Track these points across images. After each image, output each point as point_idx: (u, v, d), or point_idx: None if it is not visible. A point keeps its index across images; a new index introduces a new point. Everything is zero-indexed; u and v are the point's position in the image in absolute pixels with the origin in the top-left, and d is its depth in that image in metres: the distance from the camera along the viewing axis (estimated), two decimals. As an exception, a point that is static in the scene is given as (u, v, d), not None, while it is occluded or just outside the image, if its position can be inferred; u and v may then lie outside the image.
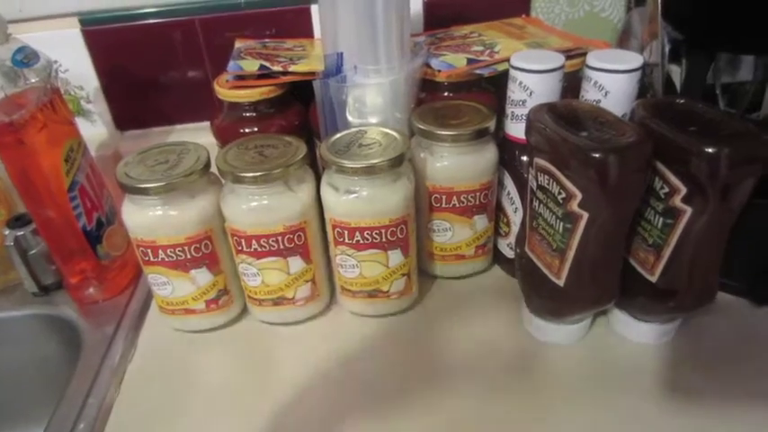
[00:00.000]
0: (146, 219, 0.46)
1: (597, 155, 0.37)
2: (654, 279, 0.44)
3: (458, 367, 0.48)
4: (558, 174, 0.40)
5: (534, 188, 0.44)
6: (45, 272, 0.60)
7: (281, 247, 0.48)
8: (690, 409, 0.43)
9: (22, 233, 0.58)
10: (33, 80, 0.50)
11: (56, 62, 0.53)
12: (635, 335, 0.48)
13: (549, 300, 0.46)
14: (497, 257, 0.58)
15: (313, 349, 0.51)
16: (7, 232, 0.58)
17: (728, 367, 0.46)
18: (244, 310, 0.55)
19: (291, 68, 0.52)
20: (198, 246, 0.48)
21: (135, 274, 0.61)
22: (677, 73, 0.53)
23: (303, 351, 0.51)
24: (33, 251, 0.59)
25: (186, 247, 0.48)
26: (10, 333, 0.61)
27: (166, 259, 0.48)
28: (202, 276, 0.50)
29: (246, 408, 0.45)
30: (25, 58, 0.49)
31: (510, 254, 0.56)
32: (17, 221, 0.59)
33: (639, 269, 0.45)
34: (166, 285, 0.50)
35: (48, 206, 0.53)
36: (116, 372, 0.50)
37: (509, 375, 0.47)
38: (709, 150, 0.36)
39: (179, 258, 0.48)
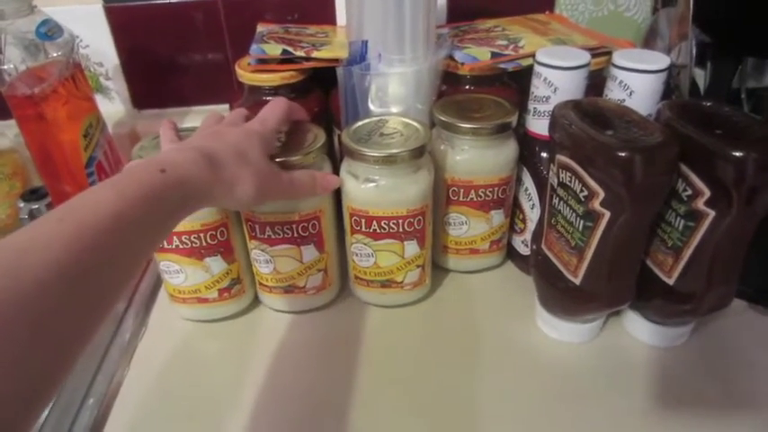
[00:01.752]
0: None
1: (623, 153, 0.36)
2: (671, 282, 0.44)
3: (467, 360, 0.48)
4: (581, 171, 0.40)
5: (555, 185, 0.44)
6: (58, 247, 0.60)
7: (296, 235, 0.48)
8: (699, 413, 0.43)
9: (36, 206, 0.58)
10: (55, 54, 0.50)
11: (77, 37, 0.53)
12: (648, 337, 0.48)
13: (565, 297, 0.46)
14: (511, 254, 0.58)
15: (322, 339, 0.51)
16: (22, 205, 0.58)
17: (740, 373, 0.46)
18: (255, 300, 0.54)
19: (315, 54, 0.52)
20: (214, 233, 0.47)
21: (147, 254, 0.61)
22: (701, 76, 0.53)
23: (312, 340, 0.51)
24: (47, 225, 0.59)
25: (202, 234, 0.47)
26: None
27: (181, 246, 0.47)
28: (217, 264, 0.49)
29: (255, 393, 0.46)
30: (49, 31, 0.49)
31: (524, 251, 0.56)
32: (32, 195, 0.59)
33: (657, 271, 0.45)
34: (179, 273, 0.49)
35: (65, 181, 0.54)
36: (126, 349, 0.50)
37: (519, 370, 0.47)
38: (737, 154, 0.36)
39: (194, 246, 0.47)
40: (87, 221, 0.28)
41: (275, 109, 0.45)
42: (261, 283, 0.52)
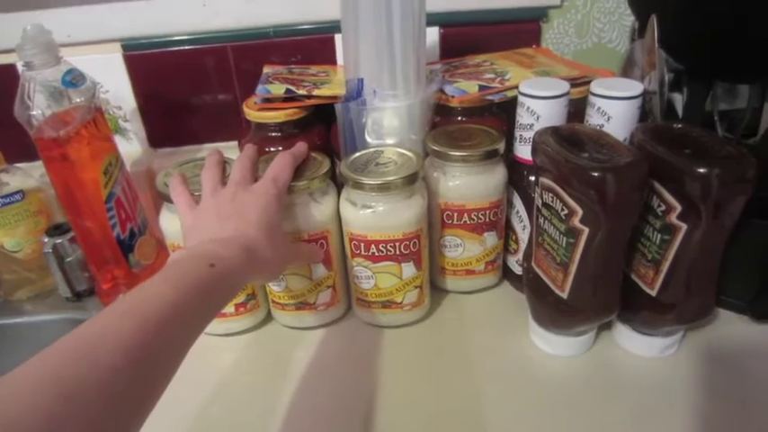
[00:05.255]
0: (183, 226, 0.50)
1: (596, 174, 0.40)
2: (654, 293, 0.46)
3: (466, 375, 0.50)
4: (560, 192, 0.43)
5: (540, 205, 0.47)
6: (79, 278, 0.64)
7: (305, 253, 0.51)
8: (691, 422, 0.44)
9: (59, 241, 0.62)
10: (78, 100, 0.54)
11: (98, 83, 0.57)
12: (638, 348, 0.50)
13: (554, 311, 0.48)
14: (506, 274, 0.61)
15: (330, 353, 0.54)
16: (46, 240, 0.62)
17: (731, 382, 0.47)
18: (268, 315, 0.58)
19: (315, 92, 0.56)
20: None
21: (163, 283, 0.64)
22: (679, 101, 0.56)
23: (320, 354, 0.53)
24: (69, 258, 0.63)
25: None
26: (44, 337, 0.65)
27: None
28: (232, 281, 0.53)
29: (265, 407, 0.48)
30: (74, 79, 0.54)
31: (519, 270, 0.58)
32: (56, 230, 0.63)
33: (640, 284, 0.48)
34: None
35: (86, 216, 0.57)
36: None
37: (515, 385, 0.49)
38: (701, 170, 0.39)
39: None
40: (150, 313, 0.32)
41: (284, 165, 0.49)
42: (274, 301, 0.56)
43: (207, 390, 0.51)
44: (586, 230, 0.42)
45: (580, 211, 0.42)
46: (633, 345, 0.51)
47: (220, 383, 0.51)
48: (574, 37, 0.72)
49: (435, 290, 0.59)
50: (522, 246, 0.57)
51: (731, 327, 0.53)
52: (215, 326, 0.56)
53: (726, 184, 0.39)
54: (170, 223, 0.51)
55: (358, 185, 0.49)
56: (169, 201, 0.50)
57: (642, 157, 0.40)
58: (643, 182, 0.41)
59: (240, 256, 0.40)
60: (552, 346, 0.51)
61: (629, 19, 0.70)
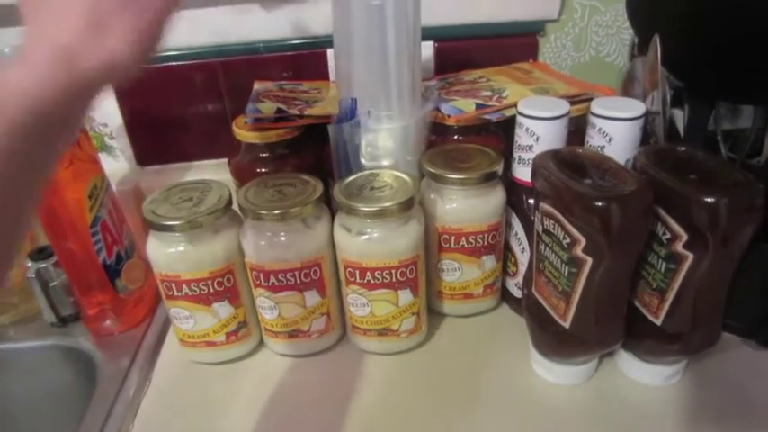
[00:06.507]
0: (170, 255, 0.48)
1: (600, 203, 0.38)
2: (659, 322, 0.45)
3: (465, 405, 0.48)
4: (562, 219, 0.42)
5: (540, 232, 0.46)
6: (64, 303, 0.62)
7: (298, 281, 0.50)
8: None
9: (43, 265, 0.60)
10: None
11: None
12: (642, 376, 0.49)
13: (556, 341, 0.47)
14: (505, 296, 0.59)
15: (324, 382, 0.52)
16: (29, 264, 0.60)
17: (736, 410, 0.46)
18: (260, 343, 0.56)
19: (307, 112, 0.54)
20: (221, 280, 0.50)
21: (151, 308, 0.62)
22: (680, 117, 0.54)
23: (314, 383, 0.52)
24: (54, 283, 0.61)
25: (210, 282, 0.49)
26: (28, 363, 0.63)
27: (190, 293, 0.49)
28: (224, 309, 0.51)
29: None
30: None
31: (518, 293, 0.57)
32: (39, 254, 0.61)
33: (645, 312, 0.46)
34: (189, 319, 0.51)
35: (70, 240, 0.55)
36: (131, 404, 0.51)
37: (516, 414, 0.47)
38: (709, 200, 0.37)
39: (202, 292, 0.49)
40: None
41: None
42: (266, 329, 0.54)
43: (196, 420, 0.49)
44: (590, 260, 0.41)
45: (583, 241, 0.40)
46: (636, 373, 0.49)
47: (210, 413, 0.49)
48: (571, 51, 0.71)
49: (432, 314, 0.57)
50: (521, 268, 0.55)
51: (736, 351, 0.51)
52: (205, 354, 0.54)
53: (734, 213, 0.37)
54: (158, 252, 0.49)
55: (352, 211, 0.47)
56: (156, 228, 0.48)
57: (647, 185, 0.39)
58: (648, 211, 0.39)
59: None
60: (553, 374, 0.50)
61: (628, 33, 0.69)
